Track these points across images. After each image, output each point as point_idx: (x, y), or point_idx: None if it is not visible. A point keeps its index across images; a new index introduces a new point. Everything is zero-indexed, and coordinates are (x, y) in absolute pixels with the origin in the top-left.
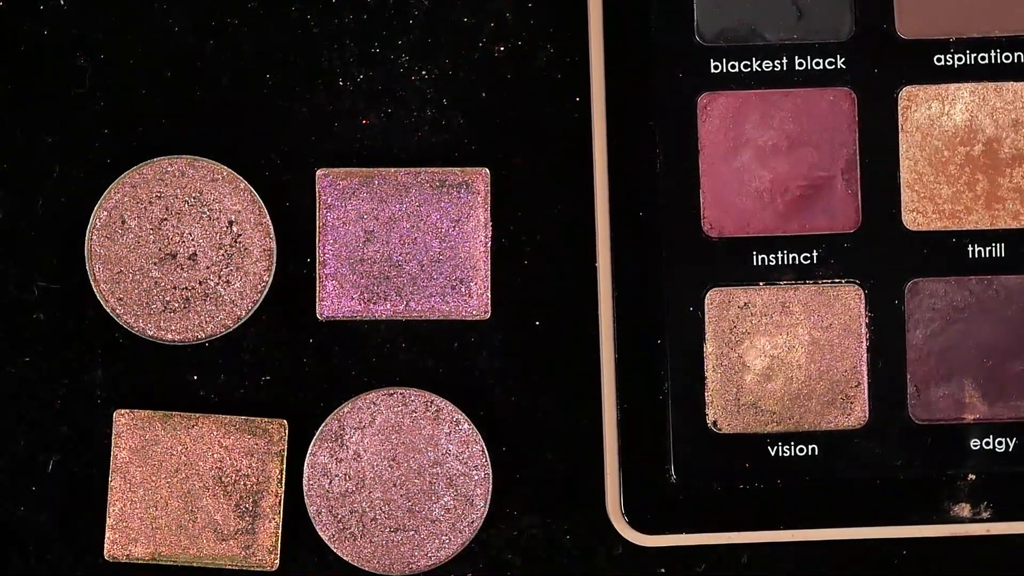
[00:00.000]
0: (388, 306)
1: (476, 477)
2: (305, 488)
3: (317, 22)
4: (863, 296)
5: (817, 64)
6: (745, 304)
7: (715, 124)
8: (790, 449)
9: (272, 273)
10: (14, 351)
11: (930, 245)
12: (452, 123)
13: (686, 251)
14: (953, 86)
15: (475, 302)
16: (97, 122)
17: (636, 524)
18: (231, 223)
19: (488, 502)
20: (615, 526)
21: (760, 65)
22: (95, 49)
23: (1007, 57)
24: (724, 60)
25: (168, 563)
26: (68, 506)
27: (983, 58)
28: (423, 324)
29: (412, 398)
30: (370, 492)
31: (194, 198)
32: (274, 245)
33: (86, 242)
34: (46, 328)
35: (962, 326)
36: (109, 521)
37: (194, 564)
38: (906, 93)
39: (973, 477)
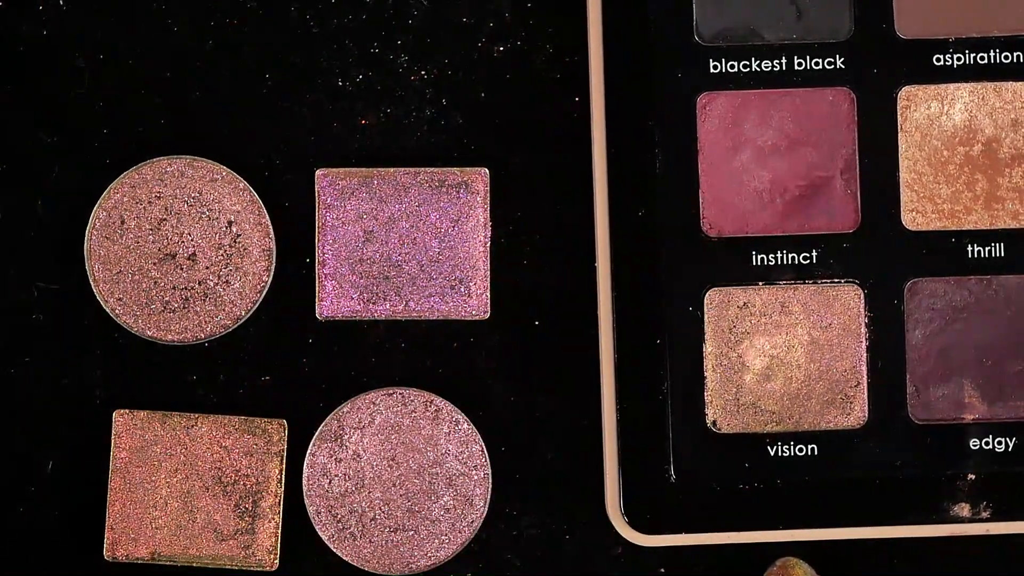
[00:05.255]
0: (387, 306)
1: (476, 477)
2: (305, 488)
3: (317, 22)
4: (862, 296)
5: (816, 64)
6: (744, 304)
7: (714, 124)
8: (790, 449)
9: (271, 273)
10: (14, 351)
11: (929, 245)
12: (451, 123)
13: (685, 251)
14: (952, 86)
15: (474, 302)
16: (97, 122)
17: (636, 524)
18: (230, 223)
19: (488, 502)
20: (615, 526)
21: (759, 65)
22: (95, 49)
23: (1006, 57)
24: (723, 60)
25: (168, 563)
26: (68, 506)
27: (982, 58)
28: (422, 324)
29: (412, 398)
30: (370, 492)
31: (193, 198)
32: (273, 245)
33: (86, 242)
34: (46, 328)
35: (961, 326)
36: (109, 521)
37: (194, 564)
38: (905, 93)
39: (973, 477)
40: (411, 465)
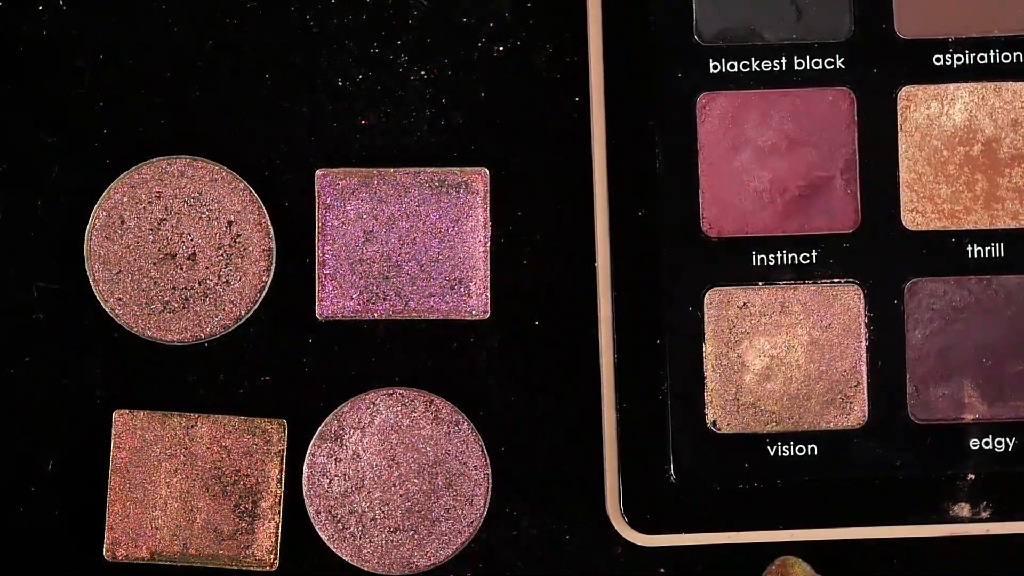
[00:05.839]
0: (387, 306)
1: (476, 477)
2: (304, 488)
3: (317, 22)
4: (862, 296)
5: (816, 64)
6: (744, 304)
7: (714, 124)
8: (790, 449)
9: (271, 273)
10: (14, 351)
11: (929, 245)
12: (451, 123)
13: (685, 251)
14: (952, 86)
15: (474, 302)
16: (97, 122)
17: (636, 524)
18: (230, 223)
19: (488, 502)
20: (615, 526)
21: (759, 65)
22: (95, 49)
23: (1006, 57)
24: (723, 60)
25: (168, 563)
26: (68, 506)
27: (982, 58)
28: (422, 324)
29: (411, 398)
30: (369, 492)
31: (193, 198)
32: (273, 245)
33: (86, 242)
34: (46, 328)
35: (961, 326)
36: (109, 521)
37: (194, 564)
38: (905, 93)
39: (973, 477)
40: (411, 465)
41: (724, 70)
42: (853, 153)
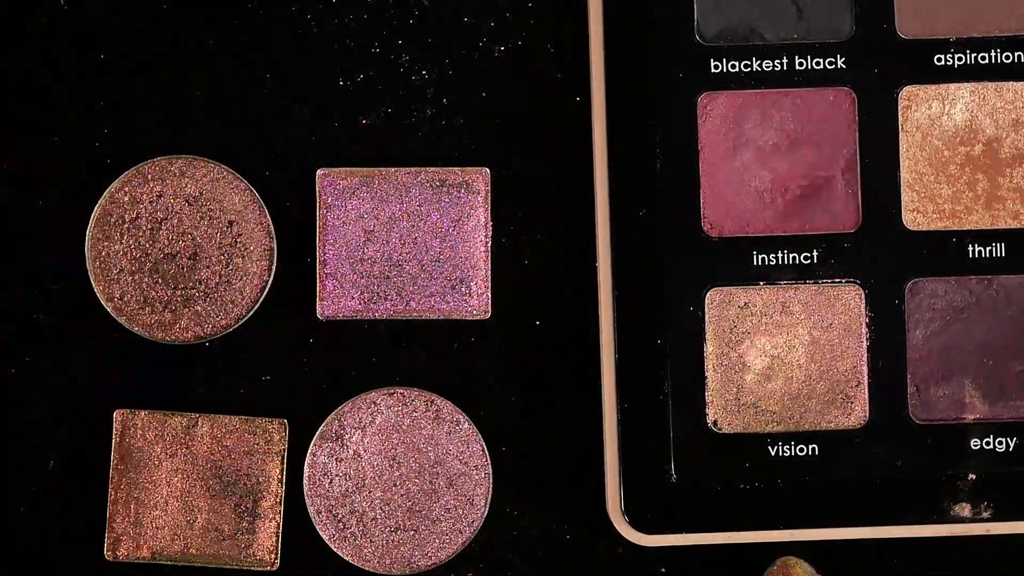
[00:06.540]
0: (388, 306)
1: (476, 477)
2: (305, 488)
3: (317, 22)
4: (863, 296)
5: (817, 64)
6: (745, 304)
7: (715, 124)
8: (790, 449)
9: (272, 273)
10: (14, 351)
11: (930, 245)
12: (452, 123)
13: (686, 251)
14: (953, 86)
15: (475, 302)
16: (97, 122)
17: (636, 524)
18: (231, 223)
19: (488, 502)
20: (615, 526)
21: (760, 65)
22: (95, 49)
23: (1007, 57)
24: (724, 60)
25: (168, 563)
26: (68, 506)
27: (983, 58)
28: (423, 324)
29: (412, 398)
30: (370, 492)
31: (194, 198)
32: (274, 245)
33: (86, 242)
34: (46, 328)
35: (962, 326)
36: (109, 521)
37: (194, 564)
38: (906, 93)
39: (973, 477)
40: (412, 465)
41: (725, 70)
42: (854, 153)
